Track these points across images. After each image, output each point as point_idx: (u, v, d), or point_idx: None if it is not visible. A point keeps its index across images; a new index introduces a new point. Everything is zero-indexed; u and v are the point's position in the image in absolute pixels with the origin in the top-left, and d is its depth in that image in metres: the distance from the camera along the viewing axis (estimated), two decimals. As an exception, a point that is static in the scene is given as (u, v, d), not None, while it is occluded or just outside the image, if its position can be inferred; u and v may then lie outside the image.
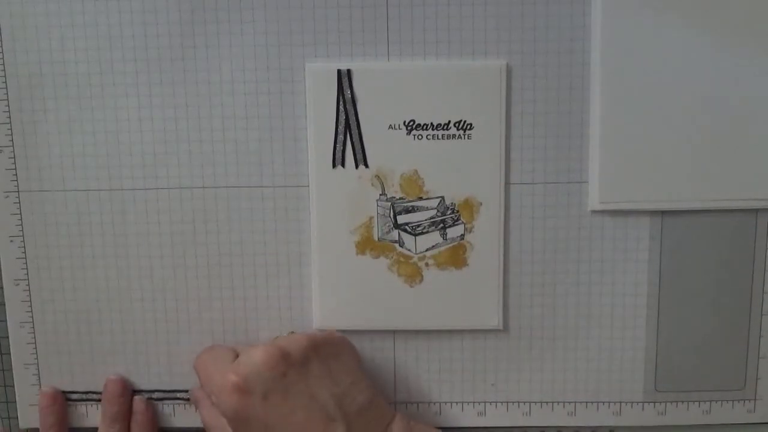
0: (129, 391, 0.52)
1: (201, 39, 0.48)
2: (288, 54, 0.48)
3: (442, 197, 0.49)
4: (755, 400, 0.51)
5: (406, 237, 0.49)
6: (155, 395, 0.52)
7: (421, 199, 0.49)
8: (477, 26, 0.47)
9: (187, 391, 0.52)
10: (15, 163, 0.50)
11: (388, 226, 0.49)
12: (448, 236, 0.49)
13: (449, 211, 0.49)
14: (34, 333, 0.52)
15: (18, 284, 0.51)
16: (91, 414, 0.52)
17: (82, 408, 0.52)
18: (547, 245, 0.49)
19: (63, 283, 0.51)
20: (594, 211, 0.49)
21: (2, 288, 0.51)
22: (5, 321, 0.51)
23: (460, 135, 0.48)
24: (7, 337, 0.52)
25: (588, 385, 0.51)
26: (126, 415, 0.51)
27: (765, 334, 0.50)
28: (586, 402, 0.51)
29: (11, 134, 0.49)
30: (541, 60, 0.47)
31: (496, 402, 0.52)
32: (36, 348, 0.52)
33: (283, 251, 0.50)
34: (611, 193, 0.48)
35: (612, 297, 0.50)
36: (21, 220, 0.50)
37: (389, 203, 0.49)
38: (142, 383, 0.52)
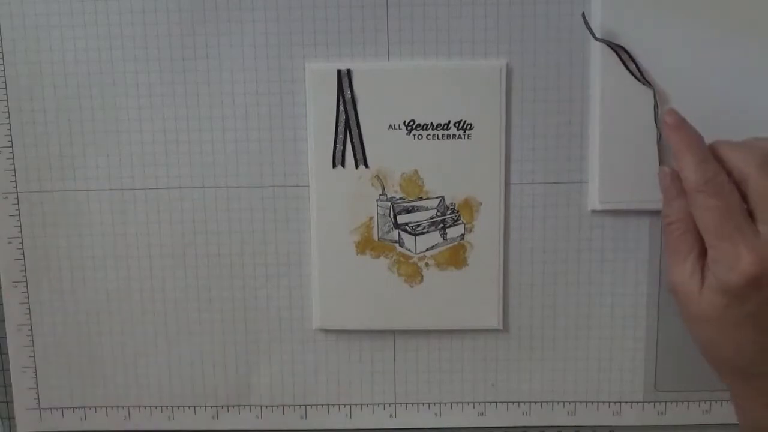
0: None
1: (201, 39, 0.48)
2: (288, 54, 0.48)
3: (442, 197, 0.49)
4: (755, 400, 0.51)
5: (406, 237, 0.49)
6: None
7: (421, 199, 0.49)
8: (477, 26, 0.47)
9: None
10: (14, 163, 0.49)
11: (388, 226, 0.49)
12: (448, 236, 0.49)
13: (449, 211, 0.49)
14: (32, 336, 0.51)
15: (16, 286, 0.51)
16: (90, 417, 0.52)
17: (80, 412, 0.52)
18: (547, 245, 0.49)
19: (62, 284, 0.51)
20: (594, 211, 0.49)
21: (0, 290, 0.51)
22: (4, 321, 0.51)
23: (460, 135, 0.48)
24: (5, 337, 0.51)
25: (588, 385, 0.51)
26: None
27: (764, 333, 0.50)
28: (586, 402, 0.51)
29: (11, 134, 0.49)
30: (541, 60, 0.47)
31: (496, 402, 0.52)
32: (34, 351, 0.51)
33: (283, 251, 0.50)
34: (611, 193, 0.48)
35: (612, 297, 0.50)
36: (20, 221, 0.50)
37: (389, 203, 0.49)
38: (142, 385, 0.52)
